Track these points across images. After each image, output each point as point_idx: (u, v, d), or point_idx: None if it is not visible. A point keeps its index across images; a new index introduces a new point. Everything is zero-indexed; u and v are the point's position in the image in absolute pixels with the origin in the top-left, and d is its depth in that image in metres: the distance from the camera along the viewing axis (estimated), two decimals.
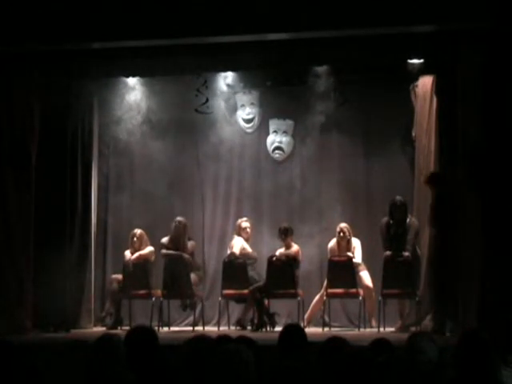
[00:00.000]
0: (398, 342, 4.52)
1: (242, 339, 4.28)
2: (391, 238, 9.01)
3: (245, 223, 9.65)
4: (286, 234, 9.41)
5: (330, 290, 9.14)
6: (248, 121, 10.37)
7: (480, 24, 7.61)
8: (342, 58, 8.50)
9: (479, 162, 7.81)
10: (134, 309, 9.58)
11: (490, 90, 7.78)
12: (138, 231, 9.64)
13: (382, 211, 9.21)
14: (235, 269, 9.34)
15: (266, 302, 9.24)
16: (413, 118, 9.41)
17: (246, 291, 9.25)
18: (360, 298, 9.10)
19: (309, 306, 9.39)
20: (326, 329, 9.17)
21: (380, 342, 4.35)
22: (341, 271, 9.09)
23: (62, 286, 9.16)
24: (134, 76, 9.54)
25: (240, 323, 9.35)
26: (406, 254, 8.83)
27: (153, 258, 9.61)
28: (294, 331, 4.30)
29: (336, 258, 9.22)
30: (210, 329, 9.42)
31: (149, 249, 9.62)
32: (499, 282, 7.50)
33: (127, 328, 8.67)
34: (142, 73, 9.30)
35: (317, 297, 9.39)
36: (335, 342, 4.02)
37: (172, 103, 9.84)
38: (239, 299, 9.50)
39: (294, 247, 9.42)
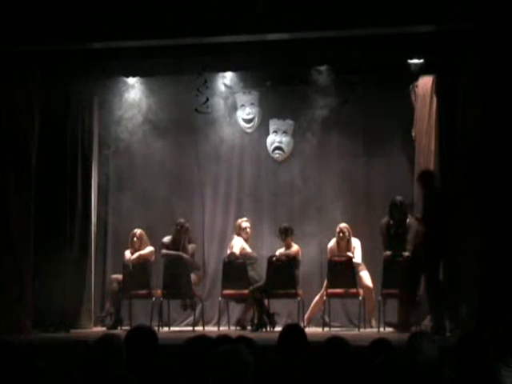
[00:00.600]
0: (398, 342, 4.52)
1: (241, 339, 4.28)
2: (391, 238, 9.02)
3: (245, 223, 9.65)
4: (286, 234, 9.41)
5: (330, 290, 9.14)
6: (248, 121, 10.37)
7: (479, 24, 7.61)
8: (342, 58, 8.50)
9: (479, 162, 7.81)
10: (134, 309, 9.58)
11: (489, 89, 7.78)
12: (137, 231, 9.64)
13: (382, 211, 9.22)
14: (235, 269, 9.35)
15: (266, 302, 9.24)
16: (413, 117, 9.41)
17: (245, 291, 9.25)
18: (360, 297, 9.10)
19: (309, 306, 9.39)
20: (326, 329, 9.17)
21: (380, 342, 4.35)
22: (341, 271, 9.09)
23: (62, 285, 9.16)
24: (133, 76, 9.56)
25: (240, 323, 9.36)
26: (406, 253, 8.83)
27: (153, 258, 9.62)
28: (294, 331, 4.30)
29: (336, 258, 9.22)
30: (210, 329, 9.42)
31: (149, 249, 9.62)
32: (499, 282, 7.50)
33: (127, 328, 8.67)
34: (142, 73, 9.32)
35: (317, 297, 9.39)
36: (335, 341, 4.02)
37: (172, 103, 9.84)
38: (239, 299, 9.50)
39: (294, 247, 9.42)
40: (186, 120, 10.04)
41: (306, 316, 9.29)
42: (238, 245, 9.50)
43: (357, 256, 9.31)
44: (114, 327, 9.28)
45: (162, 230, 9.75)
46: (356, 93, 9.58)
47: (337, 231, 9.35)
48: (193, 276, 9.43)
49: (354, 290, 9.08)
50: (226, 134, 10.19)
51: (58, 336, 8.61)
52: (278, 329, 7.35)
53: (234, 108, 10.33)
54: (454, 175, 8.25)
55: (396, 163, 9.87)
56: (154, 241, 9.70)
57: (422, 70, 8.85)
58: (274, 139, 10.30)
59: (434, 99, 8.94)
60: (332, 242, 9.42)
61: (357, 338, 7.26)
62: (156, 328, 8.58)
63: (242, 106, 10.35)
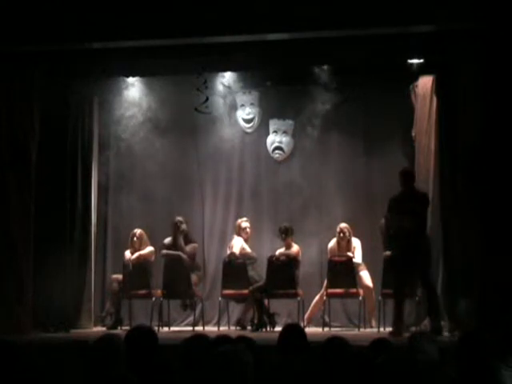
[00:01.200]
0: (398, 342, 4.52)
1: (241, 339, 4.28)
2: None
3: (245, 223, 9.65)
4: (286, 234, 9.41)
5: (330, 290, 9.14)
6: (248, 121, 10.37)
7: (479, 24, 7.60)
8: (342, 58, 8.51)
9: (479, 162, 7.80)
10: (134, 309, 9.58)
11: (489, 89, 7.78)
12: (137, 231, 9.64)
13: (382, 211, 9.20)
14: (235, 269, 9.35)
15: (266, 301, 9.24)
16: (413, 117, 9.41)
17: (246, 291, 9.25)
18: (360, 297, 9.11)
19: (309, 306, 9.39)
20: (326, 329, 9.17)
21: (380, 342, 4.35)
22: (341, 271, 9.09)
23: (62, 285, 9.16)
24: (133, 76, 9.57)
25: (240, 323, 9.36)
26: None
27: (153, 258, 9.62)
28: (293, 331, 4.30)
29: (336, 258, 9.22)
30: (210, 329, 9.42)
31: (149, 249, 9.62)
32: (499, 282, 7.50)
33: (127, 328, 8.67)
34: (142, 73, 9.33)
35: (317, 297, 9.39)
36: (335, 341, 4.02)
37: (172, 103, 9.86)
38: (239, 299, 9.50)
39: (294, 247, 9.42)
40: (186, 120, 10.05)
41: (305, 316, 9.29)
42: (237, 245, 9.50)
43: (357, 256, 9.31)
44: (114, 327, 9.29)
45: (162, 230, 9.75)
46: (356, 93, 9.59)
47: (337, 231, 9.35)
48: (193, 276, 9.43)
49: (354, 290, 9.08)
50: (225, 134, 10.20)
51: (58, 336, 8.61)
52: (278, 329, 7.34)
53: (233, 108, 10.34)
54: (454, 175, 8.25)
55: (396, 163, 9.83)
56: (154, 241, 9.71)
57: (422, 70, 8.85)
58: (273, 139, 10.30)
59: (434, 99, 8.94)
60: (332, 242, 9.42)
61: (357, 338, 7.26)
62: (156, 328, 8.59)
63: (242, 105, 10.35)
